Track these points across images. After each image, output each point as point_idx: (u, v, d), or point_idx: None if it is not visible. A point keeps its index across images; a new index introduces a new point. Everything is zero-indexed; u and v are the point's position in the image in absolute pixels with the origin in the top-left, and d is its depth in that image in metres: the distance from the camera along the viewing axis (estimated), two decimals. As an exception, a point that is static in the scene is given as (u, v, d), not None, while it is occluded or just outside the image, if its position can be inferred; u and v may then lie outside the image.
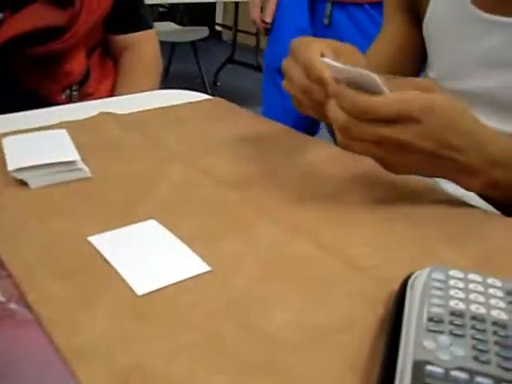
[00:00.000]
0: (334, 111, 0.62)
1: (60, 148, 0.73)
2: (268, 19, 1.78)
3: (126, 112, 0.94)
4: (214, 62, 4.56)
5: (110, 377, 0.42)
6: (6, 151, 0.72)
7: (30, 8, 1.13)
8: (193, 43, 4.14)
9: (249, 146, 0.83)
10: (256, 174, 0.74)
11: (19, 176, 0.68)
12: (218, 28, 6.01)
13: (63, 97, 1.25)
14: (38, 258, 0.55)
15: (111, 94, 1.32)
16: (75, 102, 1.25)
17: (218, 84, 4.44)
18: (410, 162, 0.62)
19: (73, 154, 0.71)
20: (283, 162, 0.78)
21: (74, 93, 1.26)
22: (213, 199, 0.67)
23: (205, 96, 1.07)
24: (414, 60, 1.00)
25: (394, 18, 0.99)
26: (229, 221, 0.63)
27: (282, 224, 0.62)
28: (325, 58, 0.65)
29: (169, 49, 4.14)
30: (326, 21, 1.66)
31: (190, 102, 1.02)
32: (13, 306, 0.49)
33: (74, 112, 0.93)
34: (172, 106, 0.99)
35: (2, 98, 1.16)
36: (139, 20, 1.40)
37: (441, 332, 0.40)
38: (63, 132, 0.78)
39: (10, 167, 0.68)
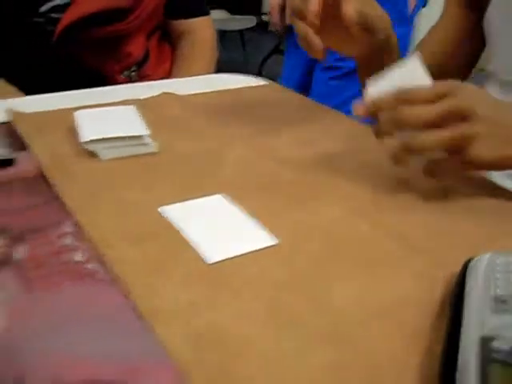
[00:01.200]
0: (386, 141, 0.64)
1: (130, 122, 0.76)
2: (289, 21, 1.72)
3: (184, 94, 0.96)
4: (260, 51, 4.58)
5: (185, 336, 0.44)
6: (78, 124, 0.75)
7: None
8: (240, 32, 4.16)
9: (307, 129, 0.85)
10: (316, 156, 0.76)
11: (90, 148, 0.71)
12: (263, 18, 6.02)
13: (122, 77, 1.28)
14: (113, 225, 0.58)
15: (168, 77, 1.35)
16: (134, 82, 1.28)
17: (264, 73, 4.46)
18: (483, 134, 0.62)
19: (142, 129, 0.74)
20: (341, 146, 0.80)
21: (133, 73, 1.30)
22: (276, 178, 0.69)
23: (262, 81, 1.10)
24: (468, 53, 1.00)
25: (452, 9, 0.99)
26: (291, 199, 0.65)
27: (343, 205, 0.64)
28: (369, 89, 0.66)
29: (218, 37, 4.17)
30: None
31: (250, 87, 1.04)
32: (92, 266, 0.52)
33: (134, 91, 0.97)
34: (232, 89, 1.01)
35: (66, 75, 1.20)
36: (197, 6, 1.42)
37: (506, 311, 0.42)
38: (132, 108, 0.81)
39: (82, 139, 0.71)
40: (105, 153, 0.71)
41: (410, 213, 0.64)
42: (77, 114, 0.78)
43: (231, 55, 4.36)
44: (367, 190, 0.68)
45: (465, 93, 0.63)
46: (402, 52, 0.85)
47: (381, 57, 0.81)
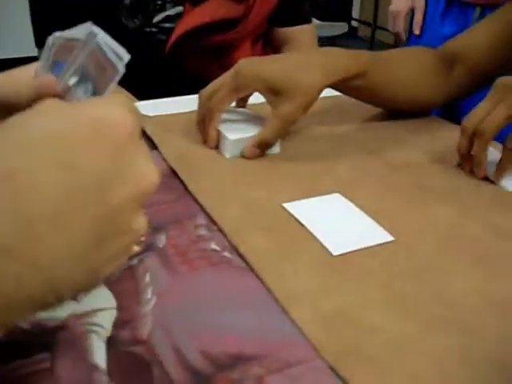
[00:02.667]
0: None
1: (259, 122, 0.81)
2: (417, 31, 1.64)
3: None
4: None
5: (316, 318, 0.49)
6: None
7: (211, 1, 1.23)
8: (331, 38, 4.19)
9: (419, 135, 0.88)
10: (421, 161, 0.79)
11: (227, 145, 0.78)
12: (353, 24, 6.02)
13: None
14: (242, 218, 0.63)
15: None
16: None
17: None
18: None
19: None
20: (443, 149, 0.83)
21: (238, 79, 1.35)
22: (387, 180, 0.73)
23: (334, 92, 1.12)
24: None
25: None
26: (405, 199, 0.68)
27: (456, 206, 0.67)
28: None
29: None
30: None
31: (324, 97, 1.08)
32: (227, 254, 0.58)
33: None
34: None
35: (174, 83, 1.27)
36: (301, 14, 1.46)
37: None
38: (253, 111, 0.87)
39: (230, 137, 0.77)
40: (232, 151, 0.77)
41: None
42: None
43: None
44: (483, 191, 0.71)
45: None
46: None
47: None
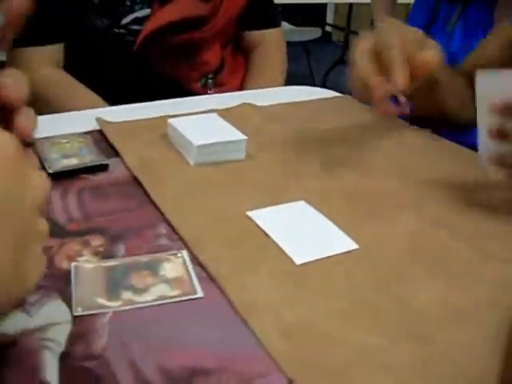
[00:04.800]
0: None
1: (225, 129, 0.80)
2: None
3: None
4: (324, 62, 4.60)
5: (277, 329, 0.48)
6: (176, 130, 0.80)
7: (178, 0, 1.22)
8: (305, 43, 4.19)
9: (383, 140, 0.88)
10: (394, 167, 0.78)
11: (187, 152, 0.76)
12: (327, 29, 6.05)
13: (199, 85, 1.33)
14: (204, 227, 0.62)
15: (241, 87, 1.39)
16: (210, 89, 1.33)
17: (327, 85, 4.47)
18: None
19: (240, 135, 0.78)
20: (417, 157, 0.82)
21: (210, 81, 1.34)
22: (355, 187, 0.72)
23: (334, 93, 1.12)
24: None
25: None
26: (370, 208, 0.68)
27: (420, 214, 0.66)
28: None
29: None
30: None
31: (323, 98, 1.07)
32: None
33: (210, 102, 1.01)
34: (306, 101, 1.05)
35: (145, 83, 1.26)
36: (270, 18, 1.46)
37: None
38: (216, 115, 0.85)
39: (195, 143, 0.75)
40: (197, 158, 0.75)
41: (488, 223, 0.66)
42: (171, 121, 0.82)
43: (296, 66, 4.39)
44: (444, 200, 0.70)
45: None
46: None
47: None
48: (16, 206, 0.37)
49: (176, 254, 0.58)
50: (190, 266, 0.56)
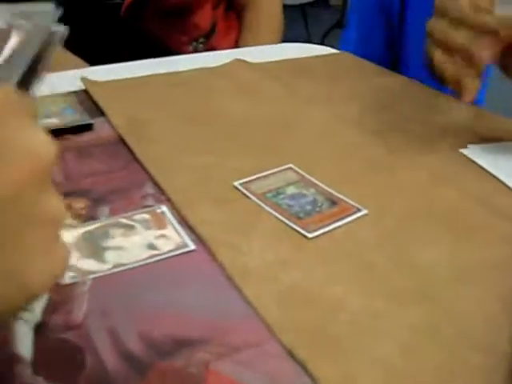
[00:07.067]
0: None
1: None
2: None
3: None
4: (321, 26, 4.52)
5: (272, 295, 0.44)
6: None
7: None
8: (302, 6, 4.12)
9: (380, 96, 0.83)
10: (391, 123, 0.74)
11: None
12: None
13: (190, 48, 1.28)
14: (193, 188, 0.58)
15: (234, 48, 1.34)
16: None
17: (325, 48, 4.38)
18: None
19: None
20: (415, 113, 0.78)
21: (200, 45, 1.29)
22: (352, 145, 0.68)
23: (331, 50, 1.08)
24: None
25: None
26: (372, 166, 0.63)
27: (426, 171, 0.62)
28: None
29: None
30: None
31: (320, 55, 1.02)
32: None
33: (202, 60, 0.96)
34: (302, 58, 1.00)
35: (133, 48, 1.21)
36: None
37: None
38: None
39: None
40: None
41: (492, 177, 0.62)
42: None
43: (293, 30, 4.32)
44: (449, 156, 0.66)
45: None
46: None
47: None
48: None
49: (155, 210, 0.54)
50: (175, 221, 0.52)
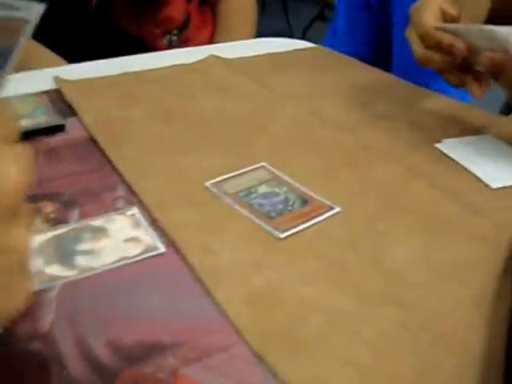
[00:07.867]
0: None
1: None
2: None
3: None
4: (302, 18, 4.50)
5: (242, 297, 0.43)
6: None
7: None
8: (283, 0, 4.10)
9: (356, 91, 0.83)
10: (367, 119, 0.74)
11: None
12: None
13: (164, 41, 1.27)
14: (165, 190, 0.57)
15: (210, 42, 1.33)
16: (175, 47, 1.26)
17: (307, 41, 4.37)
18: None
19: None
20: (392, 108, 0.77)
21: (174, 38, 1.28)
22: (327, 141, 0.67)
23: (308, 44, 1.07)
24: None
25: None
26: (347, 162, 0.63)
27: (397, 166, 0.62)
28: (440, 24, 0.65)
29: (259, 4, 4.12)
30: None
31: (295, 50, 1.02)
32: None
33: (178, 56, 0.95)
34: (278, 53, 0.99)
35: (107, 42, 1.19)
36: None
37: None
38: None
39: None
40: None
41: (468, 172, 0.62)
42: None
43: (274, 22, 4.30)
44: (425, 152, 0.66)
45: None
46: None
47: None
48: None
49: (126, 213, 0.53)
50: (146, 223, 0.51)
